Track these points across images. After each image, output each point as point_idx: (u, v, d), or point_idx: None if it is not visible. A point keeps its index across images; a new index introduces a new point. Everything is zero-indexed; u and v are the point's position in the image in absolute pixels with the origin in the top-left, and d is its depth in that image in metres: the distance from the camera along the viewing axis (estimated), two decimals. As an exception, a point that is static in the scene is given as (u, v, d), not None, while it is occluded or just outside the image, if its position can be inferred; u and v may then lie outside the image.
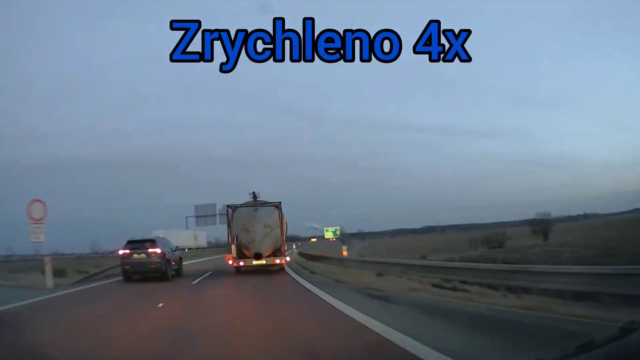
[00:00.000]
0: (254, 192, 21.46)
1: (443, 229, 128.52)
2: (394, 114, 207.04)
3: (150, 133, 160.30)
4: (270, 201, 21.08)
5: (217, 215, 50.72)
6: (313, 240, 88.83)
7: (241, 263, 20.04)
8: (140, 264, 18.53)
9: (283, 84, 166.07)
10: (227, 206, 21.21)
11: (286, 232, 22.06)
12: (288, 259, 22.61)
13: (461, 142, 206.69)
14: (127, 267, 18.67)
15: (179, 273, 20.56)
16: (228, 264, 20.83)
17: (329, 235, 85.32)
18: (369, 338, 6.42)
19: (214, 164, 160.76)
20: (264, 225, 20.26)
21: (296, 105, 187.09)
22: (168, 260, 18.98)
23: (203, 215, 51.96)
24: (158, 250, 18.60)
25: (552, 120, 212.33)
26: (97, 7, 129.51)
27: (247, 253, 20.12)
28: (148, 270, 18.51)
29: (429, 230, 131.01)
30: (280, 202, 20.93)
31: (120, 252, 19.29)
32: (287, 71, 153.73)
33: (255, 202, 20.98)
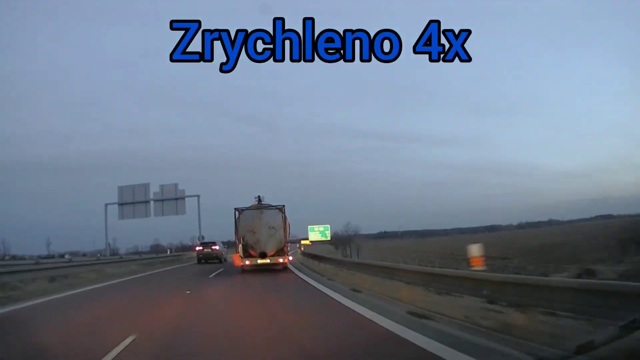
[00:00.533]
0: (259, 196, 21.22)
1: (402, 234, 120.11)
2: (350, 120, 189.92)
3: (107, 137, 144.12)
4: (274, 204, 20.78)
5: (152, 203, 35.60)
6: (305, 242, 55.45)
7: (247, 262, 19.82)
8: (207, 254, 31.14)
9: (239, 91, 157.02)
10: (235, 209, 20.81)
11: (289, 233, 21.62)
12: (291, 258, 22.65)
13: (417, 149, 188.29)
14: (201, 255, 31.24)
15: (225, 260, 30.89)
16: (236, 262, 20.51)
17: (314, 236, 54.19)
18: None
19: (167, 169, 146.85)
20: (269, 227, 19.99)
21: (251, 111, 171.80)
22: (221, 253, 31.70)
23: (130, 202, 35.20)
24: (217, 247, 31.67)
25: (510, 128, 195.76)
26: (57, 8, 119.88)
27: (252, 252, 19.87)
28: (211, 258, 30.90)
29: (384, 235, 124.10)
30: (283, 206, 20.66)
31: (197, 248, 32.97)
32: (243, 78, 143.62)
33: (261, 205, 20.71)
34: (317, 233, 54.21)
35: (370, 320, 6.86)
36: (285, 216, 20.47)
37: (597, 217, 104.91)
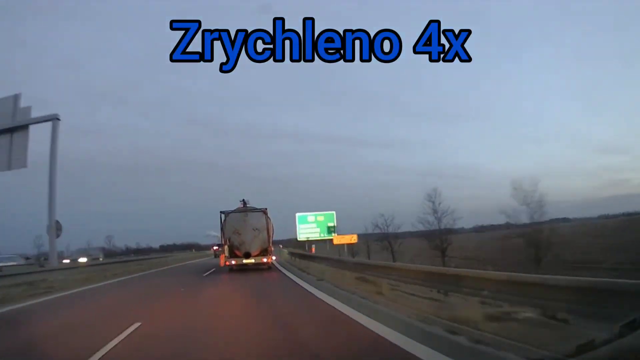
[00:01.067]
0: (243, 200, 20.94)
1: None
2: (295, 124, 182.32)
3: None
4: (258, 207, 20.40)
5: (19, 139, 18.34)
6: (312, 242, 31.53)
7: (233, 262, 19.49)
8: (220, 252, 33.62)
9: (185, 92, 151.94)
10: (221, 212, 20.32)
11: (273, 234, 21.19)
12: (274, 258, 22.24)
13: (359, 153, 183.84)
14: (216, 253, 41.69)
15: None
16: (222, 262, 20.07)
17: (309, 232, 29.81)
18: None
19: (114, 170, 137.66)
20: (253, 229, 19.67)
21: (197, 113, 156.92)
22: None
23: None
24: None
25: (457, 132, 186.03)
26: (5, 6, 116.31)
27: (238, 253, 19.54)
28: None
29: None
30: (266, 209, 20.32)
31: (214, 247, 46.00)
32: (189, 80, 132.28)
33: (245, 209, 20.32)
34: (314, 225, 29.41)
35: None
36: (268, 218, 20.15)
37: (553, 220, 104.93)
